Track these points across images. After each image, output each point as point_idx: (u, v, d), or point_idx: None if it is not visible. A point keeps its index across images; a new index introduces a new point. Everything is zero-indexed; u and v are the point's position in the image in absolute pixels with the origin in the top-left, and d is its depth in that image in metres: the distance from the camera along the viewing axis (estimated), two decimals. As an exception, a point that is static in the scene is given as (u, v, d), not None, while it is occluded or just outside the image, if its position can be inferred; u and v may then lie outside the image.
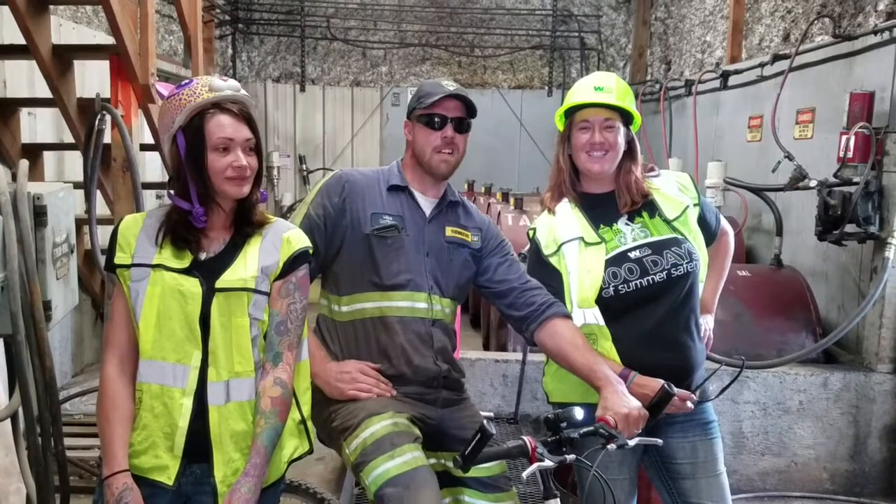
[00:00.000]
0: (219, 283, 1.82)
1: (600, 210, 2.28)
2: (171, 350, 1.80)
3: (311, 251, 1.97)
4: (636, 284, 2.18)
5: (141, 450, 1.81)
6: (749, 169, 5.78)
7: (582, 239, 2.24)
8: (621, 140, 2.24)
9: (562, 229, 2.26)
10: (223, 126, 1.79)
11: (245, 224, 1.90)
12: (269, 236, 1.92)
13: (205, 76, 1.88)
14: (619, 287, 2.18)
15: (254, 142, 1.84)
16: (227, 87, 1.83)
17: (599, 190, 2.31)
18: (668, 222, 2.25)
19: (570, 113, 2.27)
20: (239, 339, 1.83)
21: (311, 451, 2.01)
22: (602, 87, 2.22)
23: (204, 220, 1.83)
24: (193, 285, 1.82)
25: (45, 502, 2.47)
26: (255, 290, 1.85)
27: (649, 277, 2.18)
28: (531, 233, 2.36)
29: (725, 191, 5.39)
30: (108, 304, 1.86)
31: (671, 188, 2.32)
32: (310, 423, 2.01)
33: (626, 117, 2.26)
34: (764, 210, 5.17)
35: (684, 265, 2.20)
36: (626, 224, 2.25)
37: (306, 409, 1.99)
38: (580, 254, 2.22)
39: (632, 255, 2.20)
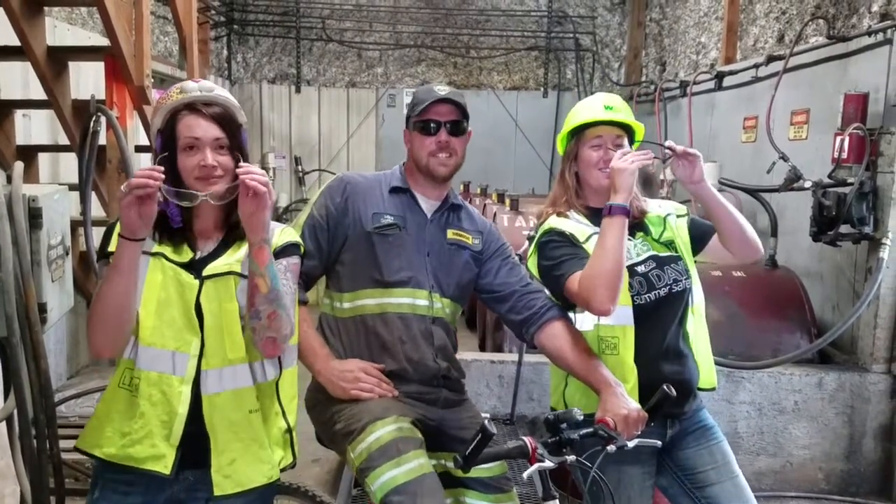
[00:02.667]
0: (206, 271, 1.85)
1: None
2: (171, 338, 1.81)
3: (302, 248, 2.00)
4: (646, 298, 2.22)
5: (137, 438, 1.80)
6: (744, 170, 5.79)
7: None
8: None
9: (581, 226, 2.29)
10: (191, 126, 1.82)
11: (232, 223, 1.90)
12: None
13: (182, 81, 1.91)
14: (634, 298, 2.22)
15: (225, 141, 1.84)
16: (198, 88, 1.85)
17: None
18: (655, 240, 2.32)
19: (578, 131, 2.30)
20: (230, 326, 1.84)
21: (293, 465, 2.01)
22: (612, 105, 2.29)
23: (179, 219, 1.85)
24: (189, 277, 1.84)
25: (41, 505, 2.46)
26: (242, 275, 1.86)
27: (655, 292, 2.23)
28: (544, 228, 2.32)
29: (720, 192, 5.38)
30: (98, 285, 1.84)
31: (652, 207, 2.40)
32: (295, 434, 2.00)
33: (629, 135, 2.33)
34: (759, 211, 5.19)
35: (683, 281, 2.27)
36: (629, 239, 2.27)
37: (292, 418, 1.99)
38: None
39: (639, 269, 2.24)
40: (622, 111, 2.29)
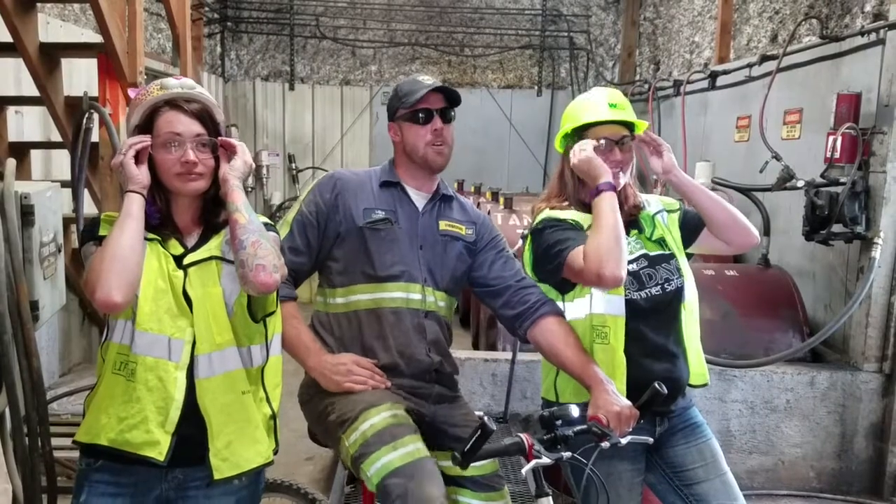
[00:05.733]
0: (187, 260, 1.85)
1: None
2: (168, 324, 1.81)
3: (277, 228, 2.03)
4: (637, 295, 2.22)
5: (133, 423, 1.79)
6: (737, 169, 5.81)
7: None
8: (633, 155, 2.30)
9: (582, 214, 2.27)
10: (172, 122, 1.82)
11: (211, 220, 1.91)
12: None
13: (162, 78, 1.92)
14: (626, 292, 2.20)
15: (206, 139, 1.84)
16: (178, 84, 1.86)
17: None
18: (648, 238, 2.31)
19: (582, 129, 2.28)
20: (215, 309, 1.84)
21: (276, 452, 2.01)
22: (616, 104, 2.26)
23: (157, 216, 1.86)
24: (176, 269, 1.85)
25: (32, 502, 2.45)
26: (223, 259, 1.86)
27: (646, 290, 2.23)
28: (540, 217, 2.30)
29: (714, 191, 5.40)
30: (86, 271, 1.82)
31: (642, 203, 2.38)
32: (278, 421, 2.01)
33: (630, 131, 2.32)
34: (751, 210, 5.20)
35: (675, 280, 2.26)
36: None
37: (276, 404, 2.00)
38: None
39: (629, 267, 2.22)
40: (626, 108, 2.27)
